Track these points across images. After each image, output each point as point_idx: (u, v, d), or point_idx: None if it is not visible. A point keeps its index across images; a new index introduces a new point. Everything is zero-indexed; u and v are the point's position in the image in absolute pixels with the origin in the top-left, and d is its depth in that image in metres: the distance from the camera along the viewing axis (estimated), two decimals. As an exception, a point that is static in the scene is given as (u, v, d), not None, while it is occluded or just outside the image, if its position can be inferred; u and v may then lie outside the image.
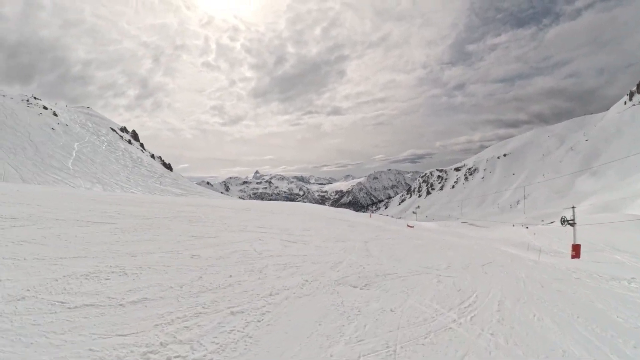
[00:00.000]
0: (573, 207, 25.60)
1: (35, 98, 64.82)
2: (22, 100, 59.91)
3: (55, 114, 61.51)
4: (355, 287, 5.79)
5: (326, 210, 29.64)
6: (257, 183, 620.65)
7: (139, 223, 8.54)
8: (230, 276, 4.98)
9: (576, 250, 20.54)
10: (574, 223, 24.40)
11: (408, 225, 34.32)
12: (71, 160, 48.58)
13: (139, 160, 66.63)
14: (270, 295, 4.68)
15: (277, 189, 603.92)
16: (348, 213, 34.99)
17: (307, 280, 5.60)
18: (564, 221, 25.02)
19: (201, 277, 4.82)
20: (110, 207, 10.62)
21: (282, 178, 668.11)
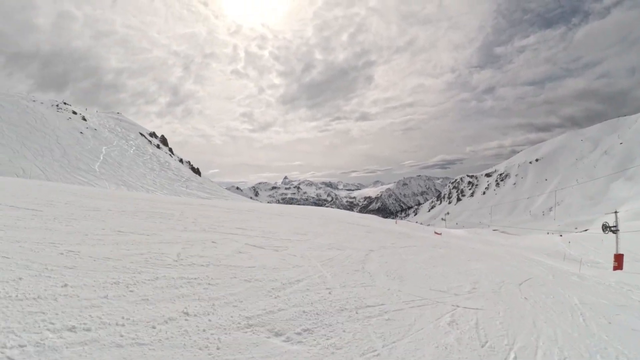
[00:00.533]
0: (616, 212, 23.34)
1: (65, 103, 67.65)
2: (52, 106, 62.50)
3: (84, 119, 63.79)
4: (277, 335, 3.09)
5: (349, 215, 27.03)
6: (286, 188, 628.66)
7: (73, 213, 6.89)
8: (65, 285, 2.93)
9: (619, 261, 18.80)
10: (617, 230, 22.05)
11: (435, 233, 31.39)
12: (98, 163, 49.68)
13: (167, 164, 67.64)
14: (46, 338, 2.22)
15: (306, 195, 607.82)
16: (373, 219, 32.36)
17: (186, 313, 3.06)
18: (606, 227, 22.82)
19: (21, 278, 2.89)
20: (67, 198, 9.17)
21: (310, 184, 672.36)
